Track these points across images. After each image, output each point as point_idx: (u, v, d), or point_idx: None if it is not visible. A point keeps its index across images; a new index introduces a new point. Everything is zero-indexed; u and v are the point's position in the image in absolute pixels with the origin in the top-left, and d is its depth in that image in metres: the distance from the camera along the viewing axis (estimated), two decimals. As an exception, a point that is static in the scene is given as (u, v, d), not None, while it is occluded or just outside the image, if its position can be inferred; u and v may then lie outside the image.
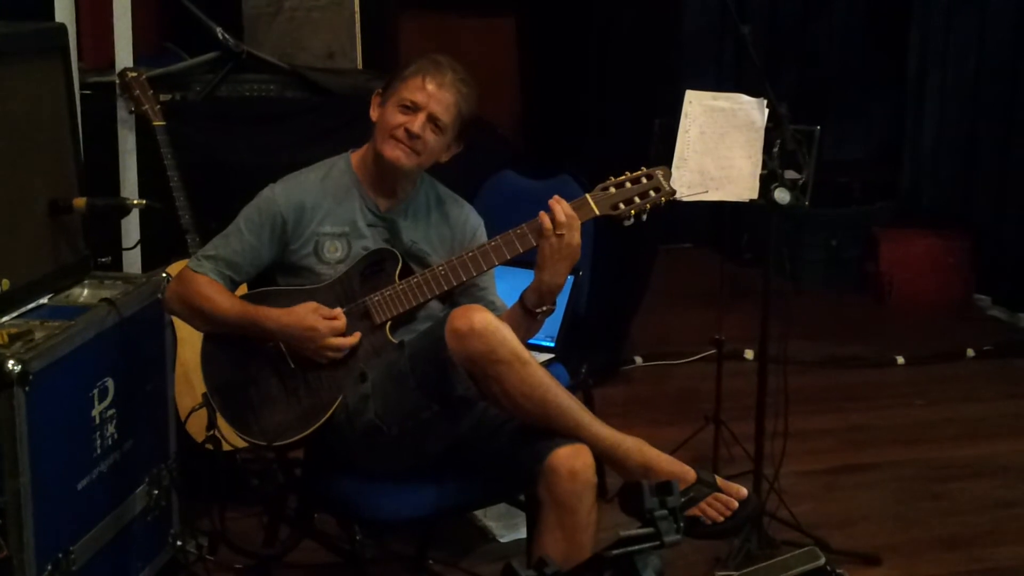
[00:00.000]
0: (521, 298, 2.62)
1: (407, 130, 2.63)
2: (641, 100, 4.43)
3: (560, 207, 2.55)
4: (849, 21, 6.74)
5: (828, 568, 2.91)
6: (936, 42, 6.16)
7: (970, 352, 5.18)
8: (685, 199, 3.13)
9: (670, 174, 2.66)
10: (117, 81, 3.62)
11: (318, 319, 2.58)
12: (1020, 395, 4.74)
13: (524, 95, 5.67)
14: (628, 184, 2.61)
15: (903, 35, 6.31)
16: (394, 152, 2.65)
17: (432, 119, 2.64)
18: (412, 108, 2.64)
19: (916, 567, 3.36)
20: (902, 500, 3.78)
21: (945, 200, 6.23)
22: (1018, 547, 3.48)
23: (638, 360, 4.98)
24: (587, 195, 2.61)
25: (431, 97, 2.63)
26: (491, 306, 2.69)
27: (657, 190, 2.61)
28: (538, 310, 2.60)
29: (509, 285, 2.80)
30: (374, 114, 2.71)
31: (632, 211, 2.60)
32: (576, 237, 2.55)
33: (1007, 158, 5.81)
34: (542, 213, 2.56)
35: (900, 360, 5.08)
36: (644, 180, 2.62)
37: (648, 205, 2.61)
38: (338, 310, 2.61)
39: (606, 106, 4.71)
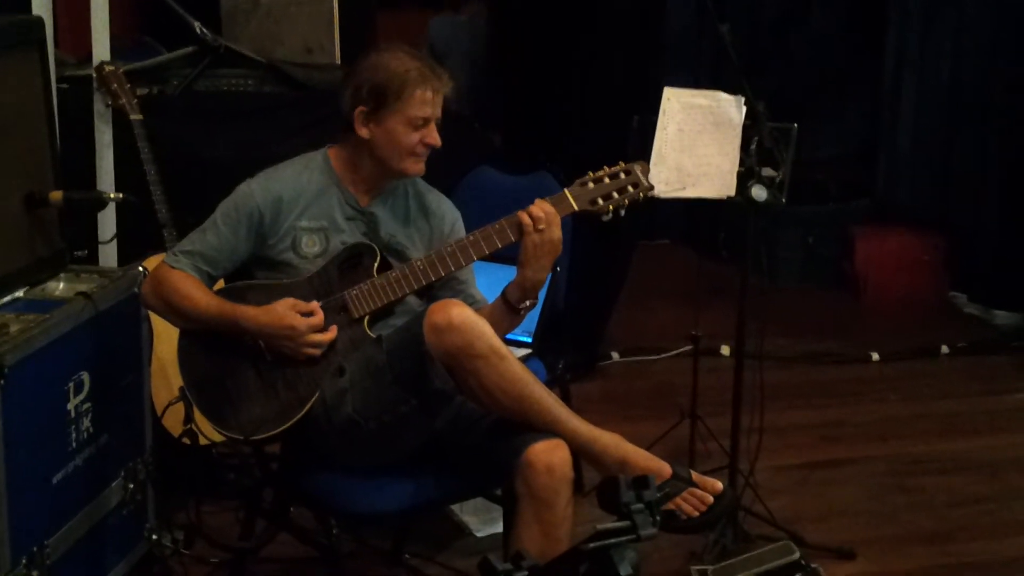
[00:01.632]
0: (504, 294, 2.62)
1: (426, 144, 2.67)
2: (620, 96, 4.43)
3: (538, 205, 2.56)
4: (827, 20, 6.76)
5: (802, 562, 2.95)
6: (914, 40, 6.18)
7: (945, 349, 5.21)
8: (663, 196, 3.14)
9: (648, 169, 2.65)
10: (94, 75, 3.60)
11: (296, 317, 2.57)
12: (994, 392, 4.77)
13: (502, 90, 5.67)
14: (606, 179, 2.61)
15: (881, 33, 6.34)
16: (418, 166, 2.69)
17: (436, 122, 2.69)
18: (424, 123, 2.66)
19: (890, 561, 3.38)
20: (876, 495, 3.80)
21: (921, 198, 6.25)
22: (991, 542, 3.50)
23: (615, 356, 4.99)
24: (566, 190, 2.61)
25: (435, 105, 2.67)
26: (471, 300, 2.70)
27: (635, 185, 2.61)
28: (521, 306, 2.61)
29: (487, 280, 2.81)
30: (364, 132, 2.66)
31: (610, 206, 2.60)
32: (557, 232, 2.55)
33: (983, 156, 5.83)
34: (520, 211, 2.56)
35: (875, 356, 5.10)
36: (622, 175, 2.62)
37: (626, 200, 2.61)
38: (315, 304, 2.61)
39: (585, 102, 4.71)
